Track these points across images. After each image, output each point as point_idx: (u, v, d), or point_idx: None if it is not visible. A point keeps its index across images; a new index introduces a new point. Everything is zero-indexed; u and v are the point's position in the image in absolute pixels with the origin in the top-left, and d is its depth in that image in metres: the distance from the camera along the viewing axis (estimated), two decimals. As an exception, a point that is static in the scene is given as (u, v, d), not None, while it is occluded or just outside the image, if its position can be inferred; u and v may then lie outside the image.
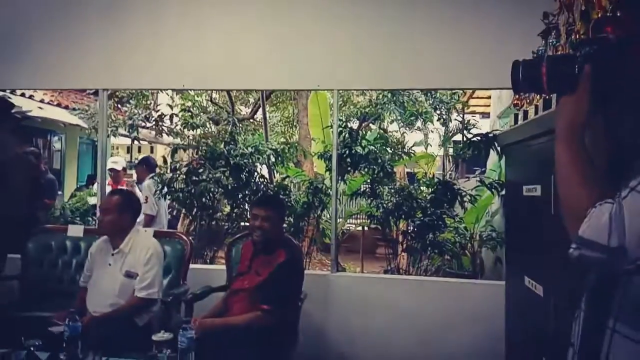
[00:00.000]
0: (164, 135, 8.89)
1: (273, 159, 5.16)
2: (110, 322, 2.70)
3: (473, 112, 9.88)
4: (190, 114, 7.30)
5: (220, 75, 3.91)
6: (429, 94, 8.13)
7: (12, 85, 4.68)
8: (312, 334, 3.42)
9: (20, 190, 3.14)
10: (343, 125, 4.69)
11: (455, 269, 4.98)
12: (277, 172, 5.96)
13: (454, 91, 8.10)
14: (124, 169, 5.68)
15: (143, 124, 8.13)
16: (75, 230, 3.74)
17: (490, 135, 4.16)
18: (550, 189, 2.01)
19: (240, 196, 4.66)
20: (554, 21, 2.40)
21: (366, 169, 4.61)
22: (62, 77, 4.08)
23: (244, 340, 2.56)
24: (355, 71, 3.71)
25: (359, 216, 6.43)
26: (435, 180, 5.16)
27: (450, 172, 7.79)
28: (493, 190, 4.27)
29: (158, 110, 8.18)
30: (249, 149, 4.78)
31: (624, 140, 1.07)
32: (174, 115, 7.43)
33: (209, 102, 8.88)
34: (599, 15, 1.79)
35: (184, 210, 5.51)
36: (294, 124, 10.19)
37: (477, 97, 8.80)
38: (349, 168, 4.50)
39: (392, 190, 4.70)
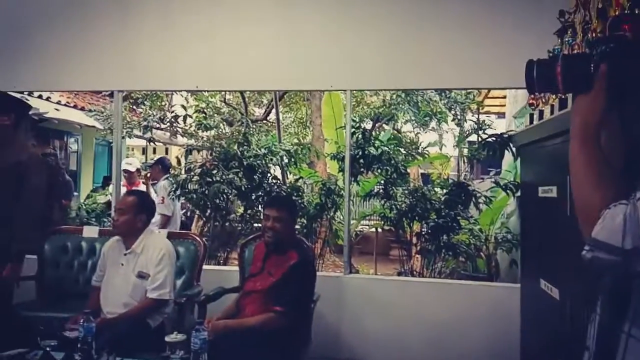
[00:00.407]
0: (178, 136, 8.95)
1: (286, 160, 5.16)
2: (123, 323, 2.72)
3: (488, 112, 9.78)
4: (204, 115, 7.34)
5: (234, 76, 3.93)
6: (443, 94, 8.06)
7: (30, 87, 4.75)
8: (325, 336, 3.41)
9: (38, 191, 3.17)
10: (356, 126, 4.67)
11: (470, 271, 4.93)
12: (290, 173, 5.96)
13: (468, 91, 8.03)
14: (138, 170, 5.73)
15: (157, 125, 8.19)
16: (91, 231, 3.78)
17: (505, 135, 4.11)
18: (566, 190, 1.98)
19: (253, 197, 4.67)
20: (570, 19, 2.37)
21: (379, 170, 4.59)
22: (78, 79, 4.14)
23: (257, 341, 2.56)
24: (369, 71, 3.70)
25: (372, 217, 6.39)
26: (450, 181, 5.12)
27: (464, 173, 7.72)
28: (508, 191, 4.22)
29: (172, 112, 8.24)
30: (262, 150, 4.79)
31: (639, 140, 1.04)
32: (188, 117, 7.47)
33: (223, 103, 8.91)
34: (617, 13, 1.76)
35: (197, 212, 5.54)
36: (307, 124, 10.18)
37: (493, 97, 8.70)
38: (362, 169, 4.48)
39: (406, 192, 4.67)
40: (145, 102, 8.32)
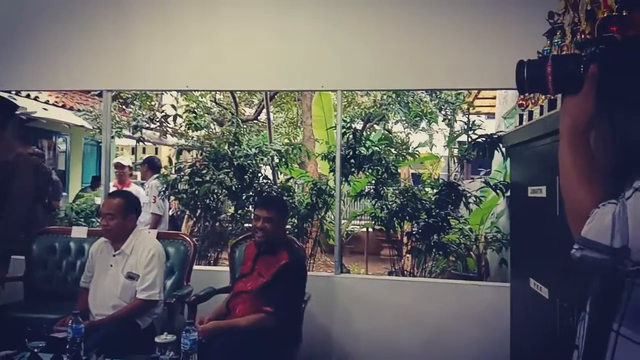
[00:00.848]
0: (168, 136, 8.91)
1: (277, 160, 5.15)
2: (113, 324, 2.69)
3: (478, 113, 9.85)
4: (194, 115, 7.31)
5: (225, 76, 3.91)
6: (433, 95, 8.10)
7: (17, 86, 4.71)
8: (316, 336, 3.41)
9: (24, 191, 3.13)
10: (347, 126, 4.67)
11: (460, 271, 4.95)
12: (280, 173, 5.95)
13: (459, 92, 8.07)
14: (130, 167, 5.68)
15: (147, 125, 8.15)
16: (79, 232, 3.75)
17: (495, 136, 4.14)
18: (555, 190, 2.00)
19: (243, 197, 4.65)
20: (559, 21, 2.39)
21: (370, 170, 4.59)
22: (67, 79, 4.09)
23: (247, 342, 2.55)
24: (359, 72, 3.70)
25: (363, 217, 6.40)
26: (440, 181, 5.14)
27: (455, 173, 7.75)
28: (498, 191, 4.24)
29: (162, 112, 8.20)
30: (253, 150, 4.77)
31: (629, 140, 1.05)
32: (178, 116, 7.44)
33: (213, 103, 8.89)
34: (605, 14, 1.78)
35: (187, 212, 5.51)
36: (298, 125, 10.18)
37: (483, 98, 8.77)
38: (353, 169, 4.48)
39: (397, 192, 4.67)
40: (135, 102, 8.27)
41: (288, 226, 4.27)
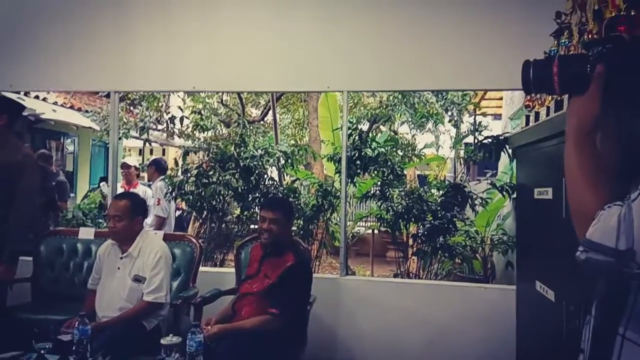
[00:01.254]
0: (175, 137, 8.94)
1: (283, 161, 5.15)
2: (119, 326, 2.70)
3: (484, 114, 9.81)
4: (200, 116, 7.33)
5: (231, 78, 3.92)
6: (440, 96, 8.09)
7: (26, 87, 4.74)
8: (321, 338, 3.40)
9: (32, 192, 3.15)
10: (353, 127, 4.66)
11: (466, 273, 4.93)
12: (286, 174, 5.96)
13: (465, 92, 8.05)
14: (136, 168, 5.70)
15: (154, 126, 8.19)
16: (87, 233, 3.76)
17: (502, 137, 4.11)
18: (562, 192, 1.98)
19: (249, 198, 4.65)
20: (567, 21, 2.37)
21: (376, 171, 4.58)
22: (75, 80, 4.12)
23: (253, 344, 2.55)
24: (365, 72, 3.70)
25: (368, 219, 6.39)
26: (446, 182, 5.12)
27: (461, 174, 7.73)
28: (504, 193, 4.22)
29: (169, 113, 8.24)
30: (259, 151, 4.77)
31: (635, 141, 1.04)
32: (185, 118, 7.47)
33: (220, 105, 8.91)
34: (612, 14, 1.76)
35: (194, 213, 5.52)
36: (304, 126, 10.19)
37: (489, 99, 8.73)
38: (358, 170, 4.47)
39: (403, 193, 4.66)
40: (142, 103, 8.31)
41: (294, 228, 4.27)
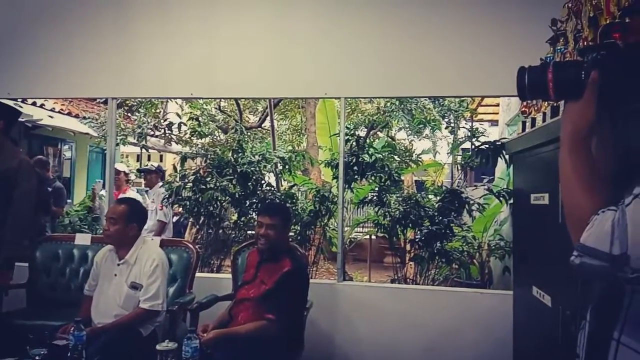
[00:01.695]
0: (173, 143, 8.94)
1: (280, 167, 5.16)
2: (114, 331, 2.69)
3: (481, 120, 9.85)
4: (198, 122, 7.34)
5: (229, 84, 3.92)
6: (437, 102, 8.11)
7: (23, 94, 4.73)
8: (318, 343, 3.39)
9: (28, 197, 3.15)
10: (350, 133, 4.69)
11: (463, 279, 4.94)
12: (284, 180, 5.96)
13: (462, 99, 8.08)
14: (125, 174, 5.72)
15: (152, 132, 8.18)
16: (83, 239, 3.75)
17: (498, 143, 4.13)
18: (558, 197, 1.99)
19: (247, 204, 4.65)
20: (562, 28, 2.39)
21: (373, 177, 4.59)
22: (73, 86, 4.12)
23: (249, 349, 2.54)
24: (363, 79, 3.71)
25: (366, 225, 6.40)
26: (443, 188, 5.13)
27: (458, 180, 7.74)
28: (501, 198, 4.24)
29: (167, 119, 8.24)
30: (257, 157, 4.78)
31: (629, 146, 1.05)
32: (183, 124, 7.47)
33: (218, 111, 8.91)
34: (607, 21, 1.78)
35: (191, 219, 5.52)
36: (302, 132, 10.19)
37: (486, 105, 8.77)
38: (356, 176, 4.48)
39: (400, 199, 4.67)
40: (140, 110, 8.31)
41: (291, 233, 4.27)
